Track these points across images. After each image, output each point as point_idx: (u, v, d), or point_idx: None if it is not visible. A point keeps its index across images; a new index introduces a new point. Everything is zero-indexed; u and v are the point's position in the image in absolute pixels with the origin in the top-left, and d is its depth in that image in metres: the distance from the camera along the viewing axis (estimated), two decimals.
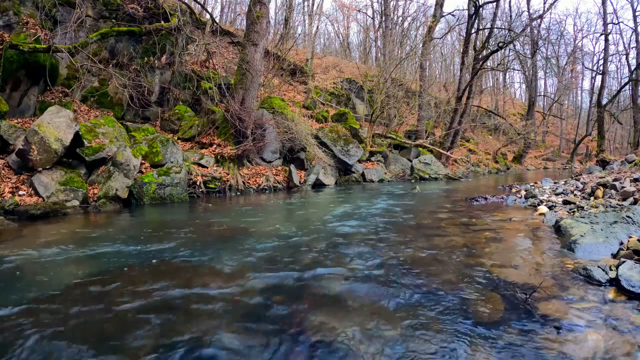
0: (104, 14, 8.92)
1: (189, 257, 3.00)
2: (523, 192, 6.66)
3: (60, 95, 7.91)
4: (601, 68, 24.66)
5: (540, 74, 34.83)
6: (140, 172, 6.50)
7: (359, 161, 11.68)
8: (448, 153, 15.39)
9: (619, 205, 4.19)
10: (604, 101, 23.08)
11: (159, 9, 9.45)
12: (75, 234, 3.98)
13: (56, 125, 5.61)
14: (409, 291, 2.25)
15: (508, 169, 22.41)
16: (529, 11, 26.77)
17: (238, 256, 3.02)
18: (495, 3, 17.29)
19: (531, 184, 8.57)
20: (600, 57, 28.02)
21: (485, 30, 17.62)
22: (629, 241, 2.77)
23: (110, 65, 8.29)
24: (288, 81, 15.60)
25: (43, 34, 7.41)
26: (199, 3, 12.88)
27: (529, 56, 25.42)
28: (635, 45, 23.52)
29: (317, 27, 22.61)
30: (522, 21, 24.58)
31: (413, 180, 12.24)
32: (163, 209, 5.73)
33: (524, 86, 38.90)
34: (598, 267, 2.38)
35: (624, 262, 2.30)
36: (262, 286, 2.35)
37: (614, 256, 2.70)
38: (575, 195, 5.72)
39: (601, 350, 1.59)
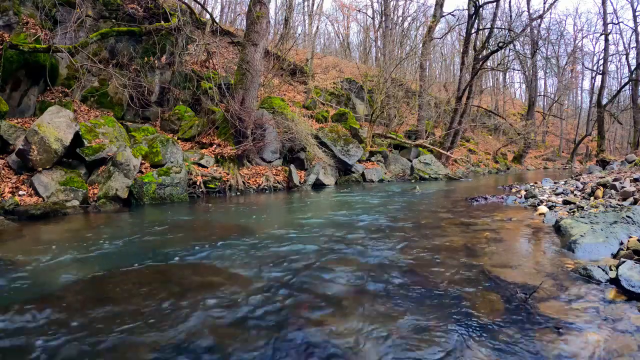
0: (104, 14, 8.92)
1: (189, 257, 3.00)
2: (523, 192, 6.66)
3: (60, 95, 7.91)
4: (601, 68, 24.66)
5: (540, 74, 34.86)
6: (140, 172, 6.50)
7: (359, 161, 11.68)
8: (448, 153, 15.38)
9: (619, 205, 4.19)
10: (604, 101, 23.07)
11: (159, 9, 9.45)
12: (75, 234, 3.98)
13: (56, 125, 5.61)
14: (409, 291, 2.24)
15: (508, 169, 22.41)
16: (529, 11, 26.78)
17: (238, 256, 3.02)
18: (495, 3, 17.30)
19: (531, 184, 8.57)
20: (600, 57, 28.05)
21: (485, 30, 17.61)
22: (629, 241, 2.77)
23: (110, 65, 8.28)
24: (288, 81, 15.60)
25: (43, 34, 7.41)
26: (199, 3, 12.87)
27: (529, 56, 25.42)
28: (635, 45, 23.54)
29: (317, 27, 22.62)
30: (522, 21, 24.58)
31: (413, 180, 12.23)
32: (163, 209, 5.73)
33: (524, 86, 38.92)
34: (598, 267, 2.38)
35: (624, 262, 2.30)
36: (262, 285, 2.35)
37: (614, 256, 2.70)
38: (575, 195, 5.72)
39: (601, 350, 1.59)
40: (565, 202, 5.01)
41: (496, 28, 17.47)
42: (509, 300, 2.08)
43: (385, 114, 16.09)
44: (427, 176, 12.83)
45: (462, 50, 17.87)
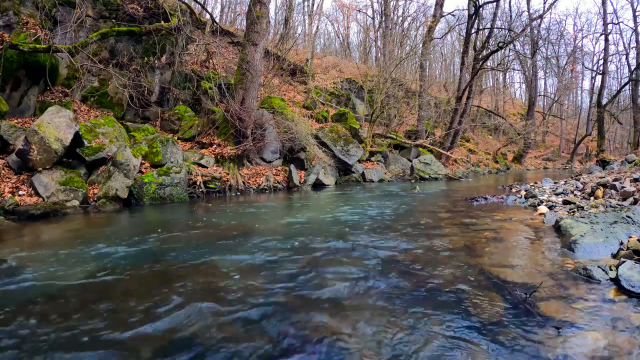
0: (104, 14, 8.92)
1: (189, 257, 3.00)
2: (523, 192, 6.66)
3: (60, 95, 7.91)
4: (601, 68, 24.68)
5: (540, 74, 34.87)
6: (140, 172, 6.50)
7: (359, 161, 11.68)
8: (448, 153, 15.39)
9: (619, 205, 4.19)
10: (604, 101, 23.08)
11: (159, 9, 9.45)
12: (75, 234, 3.98)
13: (56, 125, 5.61)
14: (409, 291, 2.25)
15: (508, 169, 22.41)
16: (529, 11, 26.76)
17: (238, 256, 3.02)
18: (495, 3, 17.30)
19: (531, 184, 8.56)
20: (600, 57, 28.06)
21: (485, 30, 17.62)
22: (629, 241, 2.77)
23: (110, 65, 8.28)
24: (288, 81, 15.60)
25: (43, 34, 7.41)
26: (199, 3, 12.88)
27: (529, 56, 25.43)
28: (635, 45, 23.55)
29: (317, 27, 22.65)
30: (522, 21, 24.56)
31: (413, 180, 12.23)
32: (163, 209, 5.73)
33: (524, 86, 38.89)
34: (598, 267, 2.38)
35: (624, 262, 2.30)
36: (262, 285, 2.35)
37: (614, 256, 2.70)
38: (575, 195, 5.72)
39: (601, 349, 1.59)
40: (565, 202, 5.01)
41: (496, 28, 17.49)
42: (509, 300, 2.08)
43: (385, 114, 16.09)
44: (427, 176, 12.83)
45: (462, 50, 17.89)
